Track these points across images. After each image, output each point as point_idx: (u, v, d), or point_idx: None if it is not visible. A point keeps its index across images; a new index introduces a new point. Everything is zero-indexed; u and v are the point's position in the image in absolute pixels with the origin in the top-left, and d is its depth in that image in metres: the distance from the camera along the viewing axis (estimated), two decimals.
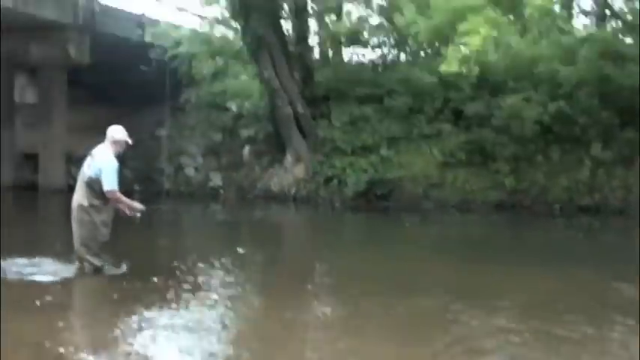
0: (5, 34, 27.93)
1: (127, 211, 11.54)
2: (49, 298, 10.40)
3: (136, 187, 27.97)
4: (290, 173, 26.16)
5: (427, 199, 24.35)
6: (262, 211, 24.51)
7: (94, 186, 11.30)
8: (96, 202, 11.35)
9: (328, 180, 25.38)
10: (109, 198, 11.31)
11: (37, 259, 12.69)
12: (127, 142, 11.65)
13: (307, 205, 25.02)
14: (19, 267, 12.21)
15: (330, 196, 25.22)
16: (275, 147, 27.32)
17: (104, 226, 11.45)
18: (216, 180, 28.04)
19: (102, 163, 11.29)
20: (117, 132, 11.59)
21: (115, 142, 11.51)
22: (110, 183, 11.20)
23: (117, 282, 11.31)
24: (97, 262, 11.48)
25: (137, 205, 11.63)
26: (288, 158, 26.38)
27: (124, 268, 11.88)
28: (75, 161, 26.26)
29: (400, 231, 20.41)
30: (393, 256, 15.10)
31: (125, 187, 22.96)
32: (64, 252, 12.40)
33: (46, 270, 12.05)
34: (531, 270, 13.10)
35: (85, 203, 11.38)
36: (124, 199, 11.44)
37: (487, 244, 17.78)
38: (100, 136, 11.69)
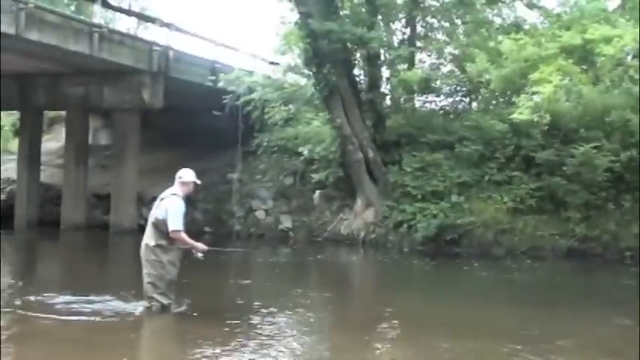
0: (80, 77, 28.62)
1: (193, 252, 11.78)
2: (116, 336, 10.66)
3: (207, 229, 28.39)
4: (360, 217, 26.26)
5: (497, 245, 24.25)
6: (331, 254, 24.63)
7: (161, 227, 11.56)
8: (162, 242, 11.59)
9: (398, 225, 25.36)
10: (174, 238, 11.54)
11: (107, 297, 13.02)
12: (195, 184, 11.94)
13: (376, 249, 25.01)
14: (88, 304, 12.54)
15: (400, 241, 25.20)
16: (345, 191, 27.50)
17: (171, 265, 11.68)
18: (287, 223, 28.16)
19: (168, 204, 11.57)
20: (185, 174, 11.90)
21: (184, 184, 11.80)
22: (175, 223, 11.44)
23: (183, 321, 11.52)
24: (164, 300, 11.71)
25: (201, 245, 11.82)
26: (359, 203, 26.50)
27: (184, 306, 12.10)
28: (145, 203, 26.77)
29: (468, 277, 20.38)
30: (460, 302, 15.18)
31: (196, 228, 23.48)
32: (133, 290, 12.62)
33: (115, 308, 12.35)
34: (600, 314, 13.08)
35: (152, 243, 11.65)
36: (188, 240, 11.64)
37: (556, 290, 17.75)
38: (171, 179, 11.99)
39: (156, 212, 11.71)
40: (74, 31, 25.07)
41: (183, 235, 11.56)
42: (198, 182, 12.12)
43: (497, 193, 25.09)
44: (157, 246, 11.62)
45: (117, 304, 12.65)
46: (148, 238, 11.74)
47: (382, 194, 26.20)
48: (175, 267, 11.74)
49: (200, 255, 11.78)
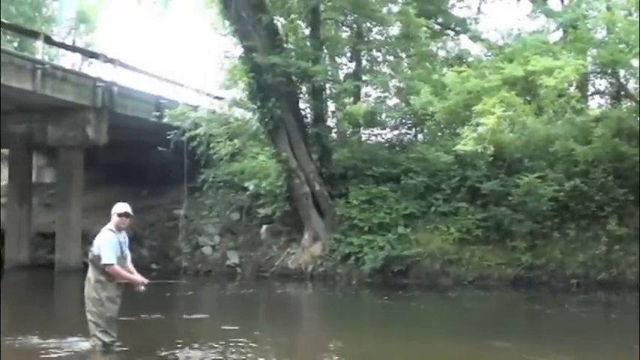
0: (23, 115, 28.33)
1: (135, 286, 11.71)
2: None
3: (154, 266, 28.17)
4: (307, 251, 26.21)
5: (445, 275, 24.33)
6: (278, 289, 24.52)
7: (97, 262, 11.53)
8: (101, 277, 11.55)
9: (345, 257, 25.37)
10: (108, 272, 11.43)
11: (52, 337, 12.90)
12: (127, 214, 11.80)
13: (324, 282, 24.97)
14: (33, 344, 12.42)
15: (348, 273, 25.20)
16: (292, 225, 27.49)
17: (110, 302, 11.60)
18: (234, 258, 28.04)
19: (100, 239, 11.54)
20: (118, 207, 11.82)
21: (117, 216, 11.70)
22: (107, 257, 11.39)
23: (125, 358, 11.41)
24: (106, 338, 11.62)
25: (139, 278, 11.77)
26: (306, 236, 26.48)
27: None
28: (90, 241, 26.33)
29: (416, 308, 20.41)
30: (406, 334, 15.29)
31: (143, 265, 23.26)
32: (78, 329, 12.48)
33: (60, 346, 12.22)
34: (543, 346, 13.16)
35: (92, 280, 11.60)
36: (122, 272, 11.59)
37: (502, 321, 17.85)
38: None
39: (92, 249, 11.62)
40: (17, 67, 24.77)
41: (117, 268, 11.49)
42: (131, 213, 11.97)
43: (444, 223, 25.21)
44: (97, 281, 11.57)
45: (62, 343, 12.53)
46: (89, 274, 11.71)
47: (329, 227, 26.21)
48: (115, 304, 11.65)
49: (142, 288, 11.67)
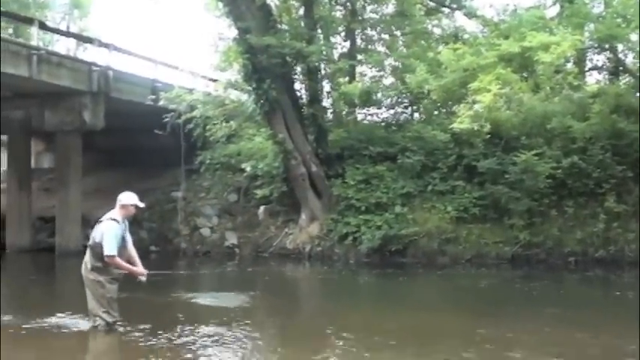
0: (21, 100, 28.33)
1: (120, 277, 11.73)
2: (64, 355, 10.54)
3: (153, 248, 28.29)
4: (305, 231, 26.25)
5: (442, 254, 24.32)
6: (277, 269, 24.54)
7: (97, 250, 11.54)
8: (98, 264, 11.56)
9: (343, 237, 25.40)
10: (108, 262, 11.42)
11: (54, 317, 12.93)
12: (136, 206, 11.87)
13: (322, 262, 25.01)
14: (36, 324, 12.46)
15: (345, 253, 25.26)
16: (290, 206, 27.52)
17: (110, 283, 11.67)
18: (232, 239, 28.10)
19: (104, 228, 11.53)
20: (125, 197, 11.85)
21: (123, 207, 11.78)
22: (109, 248, 11.40)
23: (128, 337, 11.40)
24: (108, 318, 11.69)
25: (139, 270, 11.78)
26: (303, 217, 26.52)
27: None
28: (91, 224, 26.35)
29: (414, 287, 20.45)
30: (405, 311, 15.23)
31: (142, 247, 23.25)
32: (80, 310, 12.49)
33: (62, 326, 12.24)
34: (540, 322, 13.14)
35: (89, 266, 11.65)
36: (122, 264, 11.61)
37: (499, 297, 17.81)
38: (115, 200, 11.89)
39: (93, 235, 11.60)
40: (12, 54, 24.79)
41: (118, 260, 11.52)
42: (141, 205, 12.05)
43: (441, 202, 25.18)
44: (94, 268, 11.56)
45: (64, 323, 12.62)
46: (87, 260, 11.74)
47: (326, 207, 26.23)
48: (114, 284, 11.69)
49: (142, 279, 11.69)
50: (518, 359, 10.43)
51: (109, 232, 11.46)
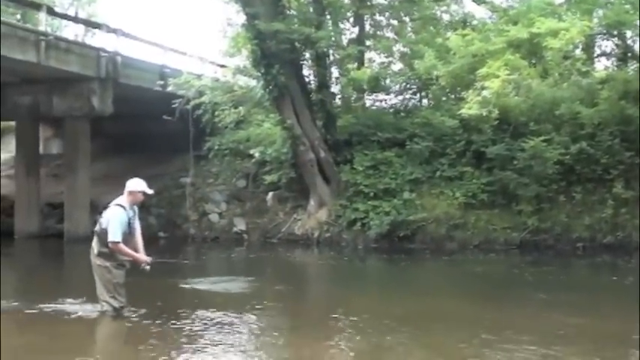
0: (29, 86, 28.35)
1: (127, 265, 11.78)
2: (72, 339, 10.61)
3: (161, 234, 28.36)
4: (313, 217, 26.29)
5: (450, 240, 24.36)
6: (286, 255, 24.61)
7: (103, 236, 11.60)
8: (104, 250, 11.64)
9: (351, 223, 25.43)
10: (112, 248, 11.46)
11: (63, 302, 13.00)
12: (144, 193, 11.89)
13: (331, 248, 25.05)
14: (43, 307, 12.53)
15: (354, 239, 25.30)
16: (298, 192, 27.54)
17: (117, 268, 11.74)
18: (240, 225, 28.14)
19: (110, 214, 11.60)
20: (133, 183, 11.87)
21: (131, 193, 11.81)
22: (113, 235, 11.44)
23: (136, 322, 11.47)
24: (115, 303, 11.78)
25: (142, 257, 11.79)
26: (312, 203, 26.54)
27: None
28: (99, 210, 26.42)
29: (422, 272, 20.53)
30: (413, 296, 15.28)
31: (151, 233, 23.34)
32: (87, 295, 12.54)
33: (69, 311, 12.31)
34: (547, 307, 13.18)
35: (95, 251, 11.73)
36: (127, 251, 11.64)
37: (506, 283, 17.84)
38: (123, 186, 11.94)
39: (100, 221, 11.67)
40: (20, 40, 24.75)
41: (122, 247, 11.55)
42: (149, 192, 12.08)
43: (449, 188, 25.20)
44: (100, 254, 11.63)
45: (72, 309, 12.62)
46: (93, 246, 11.82)
47: (335, 193, 26.24)
48: (121, 270, 11.74)
49: (146, 267, 11.73)
50: (525, 343, 10.43)
51: (114, 218, 11.52)
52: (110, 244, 11.46)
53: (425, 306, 13.84)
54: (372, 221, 24.92)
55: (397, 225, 24.65)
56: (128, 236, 11.70)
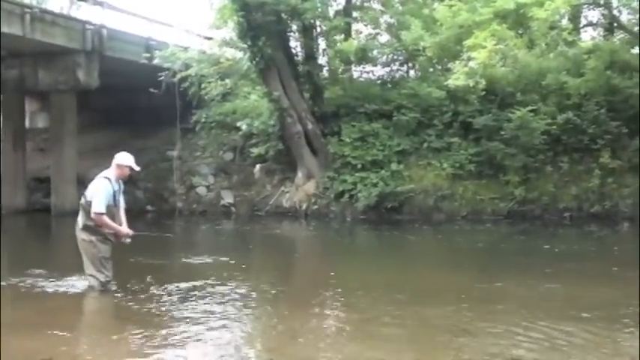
0: (15, 60, 28.20)
1: (112, 238, 11.67)
2: (59, 314, 10.61)
3: (149, 208, 28.33)
4: (301, 189, 26.30)
5: (438, 210, 24.51)
6: (274, 227, 24.58)
7: (87, 208, 11.41)
8: (89, 223, 11.44)
9: (339, 195, 25.51)
10: (95, 221, 11.42)
11: (50, 278, 12.96)
12: (131, 168, 11.75)
13: (319, 220, 25.10)
14: (30, 282, 12.52)
15: (342, 211, 25.38)
16: (286, 164, 27.55)
17: (102, 242, 11.57)
18: (228, 198, 28.13)
19: (95, 186, 11.43)
20: (122, 157, 11.71)
21: (119, 167, 11.60)
22: (97, 206, 11.24)
23: (122, 297, 11.48)
24: (101, 277, 11.63)
25: (124, 230, 11.64)
26: (299, 175, 26.55)
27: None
28: (86, 184, 26.38)
29: (411, 242, 20.53)
30: (403, 267, 15.34)
31: (138, 207, 23.28)
32: (75, 270, 12.51)
33: (58, 286, 12.29)
34: (534, 277, 13.22)
35: (80, 225, 11.56)
36: (109, 223, 11.43)
37: (495, 253, 17.89)
38: (110, 159, 11.83)
39: (85, 193, 11.57)
40: (6, 13, 24.52)
41: (105, 219, 11.35)
42: (137, 168, 11.94)
43: (437, 159, 25.31)
44: (85, 227, 11.50)
45: (59, 283, 12.57)
46: (79, 219, 11.65)
47: (322, 165, 26.27)
48: (106, 244, 11.61)
49: (127, 240, 11.65)
50: (514, 313, 10.46)
51: (100, 189, 11.32)
52: (93, 215, 11.26)
53: (413, 276, 13.86)
54: (359, 193, 24.98)
55: (385, 196, 24.70)
56: (113, 209, 11.60)
